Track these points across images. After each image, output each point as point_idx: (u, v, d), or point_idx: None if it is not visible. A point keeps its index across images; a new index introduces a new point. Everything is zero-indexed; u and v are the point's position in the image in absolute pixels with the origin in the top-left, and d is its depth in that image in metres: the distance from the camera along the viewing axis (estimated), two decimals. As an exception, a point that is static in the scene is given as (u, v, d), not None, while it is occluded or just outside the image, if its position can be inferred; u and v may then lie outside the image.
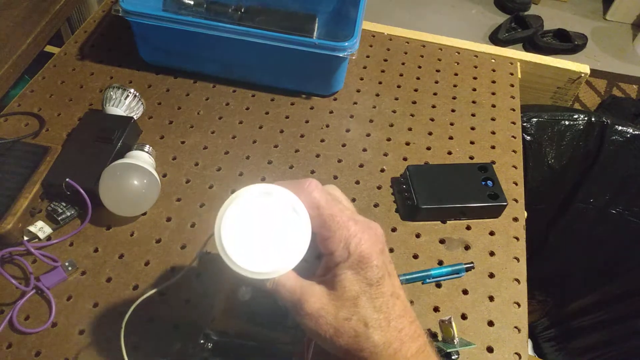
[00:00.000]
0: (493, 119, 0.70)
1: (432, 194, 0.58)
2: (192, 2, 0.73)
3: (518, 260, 0.56)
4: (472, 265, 0.54)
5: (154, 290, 0.49)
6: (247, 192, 0.33)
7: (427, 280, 0.53)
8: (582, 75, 0.78)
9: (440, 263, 0.55)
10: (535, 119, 0.85)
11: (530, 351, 1.07)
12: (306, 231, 0.33)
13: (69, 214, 0.56)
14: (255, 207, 0.33)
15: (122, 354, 0.40)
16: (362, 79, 0.74)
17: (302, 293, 0.33)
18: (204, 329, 0.42)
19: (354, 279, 0.32)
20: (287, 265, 0.32)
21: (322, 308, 0.32)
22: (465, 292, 0.53)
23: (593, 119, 0.86)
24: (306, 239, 0.33)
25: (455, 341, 0.46)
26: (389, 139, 0.67)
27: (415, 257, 0.56)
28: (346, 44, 0.62)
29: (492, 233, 0.58)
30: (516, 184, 0.63)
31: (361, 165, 0.64)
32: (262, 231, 0.32)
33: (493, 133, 0.68)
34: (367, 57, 0.78)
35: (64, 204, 0.56)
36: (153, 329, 0.49)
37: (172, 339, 0.48)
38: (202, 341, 0.41)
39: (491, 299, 0.53)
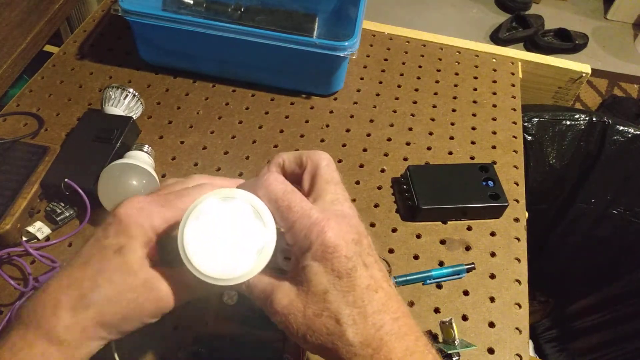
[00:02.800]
0: (494, 119, 0.70)
1: (433, 194, 0.58)
2: (191, 2, 0.73)
3: (519, 260, 0.55)
4: (472, 266, 0.54)
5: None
6: (207, 199, 0.32)
7: (428, 281, 0.53)
8: (583, 75, 0.78)
9: (441, 264, 0.55)
10: (536, 119, 0.85)
11: (532, 352, 1.07)
12: (270, 232, 0.32)
13: (67, 214, 0.56)
14: (217, 213, 0.32)
15: (114, 357, 0.40)
16: (362, 79, 0.74)
17: (271, 292, 0.31)
18: (197, 335, 0.42)
19: (321, 271, 0.29)
20: (254, 269, 0.31)
21: (289, 305, 0.30)
22: (466, 293, 0.53)
23: (594, 119, 0.86)
24: (270, 240, 0.32)
25: (456, 342, 0.46)
26: (389, 139, 0.67)
27: (416, 257, 0.55)
28: (346, 43, 0.61)
29: (493, 233, 0.58)
30: (517, 184, 0.62)
31: (361, 166, 0.63)
32: (226, 237, 0.32)
33: (494, 133, 0.68)
34: (368, 56, 0.77)
35: (63, 205, 0.56)
36: (152, 330, 0.48)
37: (171, 339, 0.48)
38: (194, 347, 0.41)
39: (492, 300, 0.52)
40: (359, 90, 0.72)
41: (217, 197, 0.32)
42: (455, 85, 0.74)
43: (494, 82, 0.75)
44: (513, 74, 0.76)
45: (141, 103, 0.66)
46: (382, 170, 0.63)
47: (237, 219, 0.32)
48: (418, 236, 0.57)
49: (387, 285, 0.31)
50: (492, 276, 0.54)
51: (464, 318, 0.51)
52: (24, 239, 0.54)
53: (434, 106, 0.71)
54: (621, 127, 0.85)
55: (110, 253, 0.31)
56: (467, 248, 0.56)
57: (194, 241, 0.31)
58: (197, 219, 0.31)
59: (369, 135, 0.67)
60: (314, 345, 0.30)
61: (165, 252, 0.35)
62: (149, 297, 0.32)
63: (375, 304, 0.29)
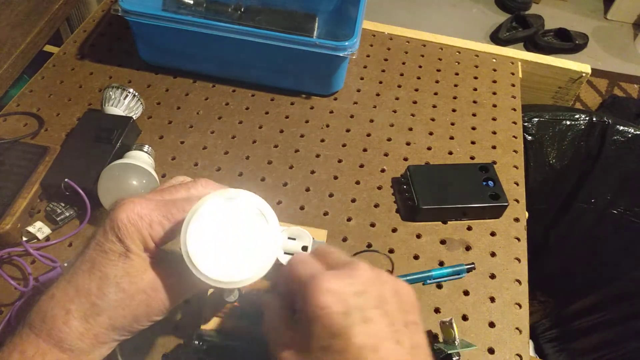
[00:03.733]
0: (494, 119, 0.70)
1: (433, 194, 0.58)
2: (191, 2, 0.73)
3: (519, 260, 0.56)
4: (473, 266, 0.54)
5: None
6: (209, 199, 0.31)
7: (428, 281, 0.53)
8: (583, 74, 0.78)
9: (441, 264, 0.55)
10: (536, 119, 0.85)
11: (532, 352, 1.07)
12: (273, 233, 0.32)
13: (67, 214, 0.56)
14: (220, 214, 0.31)
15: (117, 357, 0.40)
16: (362, 79, 0.74)
17: (274, 342, 0.31)
18: (197, 330, 0.42)
19: (317, 329, 0.29)
20: (257, 273, 0.31)
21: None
22: (466, 293, 0.53)
23: (594, 119, 0.86)
24: (274, 241, 0.32)
25: (456, 342, 0.46)
26: (389, 139, 0.67)
27: (416, 257, 0.55)
28: (346, 43, 0.61)
29: (493, 233, 0.58)
30: (517, 184, 0.62)
31: (361, 166, 0.63)
32: (229, 238, 0.31)
33: (494, 133, 0.68)
34: (368, 56, 0.77)
35: (63, 204, 0.56)
36: (152, 329, 0.48)
37: (171, 339, 0.48)
38: (196, 342, 0.41)
39: (492, 299, 0.52)
40: (359, 90, 0.72)
41: (220, 198, 0.32)
42: (455, 85, 0.74)
43: (494, 82, 0.75)
44: (513, 74, 0.76)
45: (141, 103, 0.66)
46: (382, 170, 0.63)
47: (240, 219, 0.32)
48: (418, 236, 0.57)
49: (391, 344, 0.27)
50: (492, 276, 0.54)
51: (464, 318, 0.51)
52: (24, 239, 0.54)
53: (434, 106, 0.71)
54: (621, 127, 0.85)
55: (115, 258, 0.31)
56: (467, 248, 0.56)
57: (197, 243, 0.31)
58: (199, 220, 0.31)
59: (369, 135, 0.67)
60: None
61: (168, 252, 0.35)
62: (156, 297, 0.32)
63: None
